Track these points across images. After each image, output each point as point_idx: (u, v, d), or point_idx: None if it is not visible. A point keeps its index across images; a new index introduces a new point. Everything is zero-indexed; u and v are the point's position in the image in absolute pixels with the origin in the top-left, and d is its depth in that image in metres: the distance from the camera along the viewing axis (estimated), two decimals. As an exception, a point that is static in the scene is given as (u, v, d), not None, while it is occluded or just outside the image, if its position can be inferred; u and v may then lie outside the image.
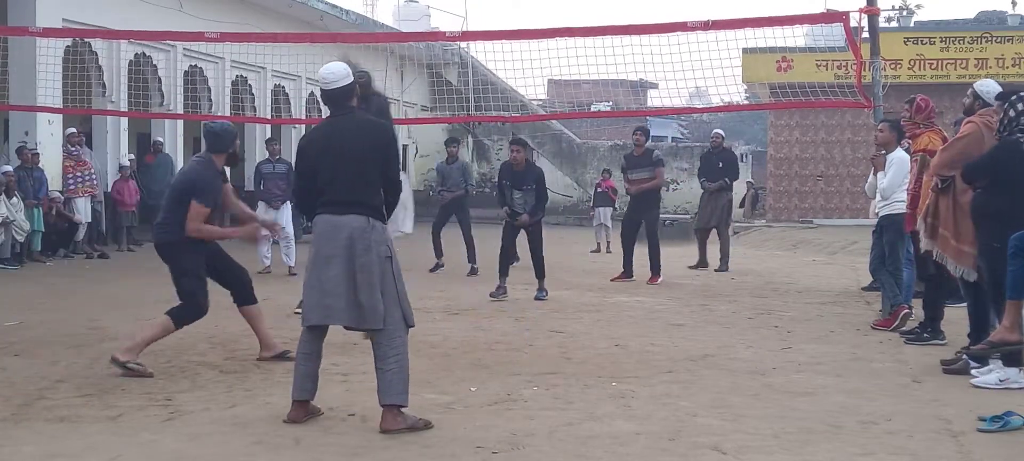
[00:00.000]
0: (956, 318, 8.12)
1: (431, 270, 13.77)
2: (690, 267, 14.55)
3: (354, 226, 5.30)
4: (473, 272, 13.62)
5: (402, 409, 5.28)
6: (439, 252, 14.03)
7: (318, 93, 5.81)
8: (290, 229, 13.59)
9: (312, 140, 5.62)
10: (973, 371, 6.70)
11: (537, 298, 10.92)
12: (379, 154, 5.44)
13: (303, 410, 5.46)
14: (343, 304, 5.28)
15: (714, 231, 14.91)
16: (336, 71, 5.50)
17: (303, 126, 23.61)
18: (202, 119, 20.78)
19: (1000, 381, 6.43)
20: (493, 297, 10.86)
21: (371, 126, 5.60)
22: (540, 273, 11.21)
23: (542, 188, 11.34)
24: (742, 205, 26.89)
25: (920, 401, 6.18)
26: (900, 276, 9.07)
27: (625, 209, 13.77)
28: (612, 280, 13.03)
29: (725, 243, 14.79)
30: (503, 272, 11.10)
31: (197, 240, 6.86)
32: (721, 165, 14.80)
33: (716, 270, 14.41)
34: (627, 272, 13.15)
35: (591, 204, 20.21)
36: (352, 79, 5.55)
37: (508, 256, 11.32)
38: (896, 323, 8.73)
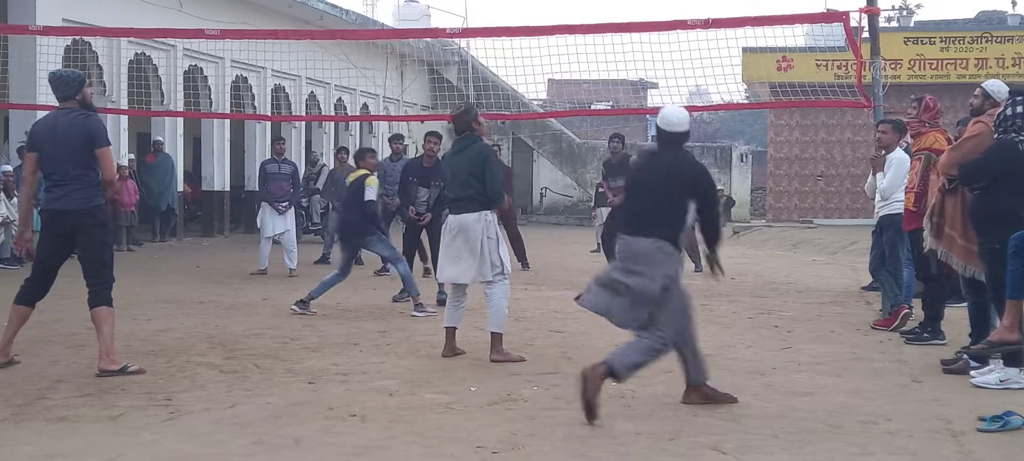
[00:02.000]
0: (956, 318, 8.12)
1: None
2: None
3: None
4: (427, 273, 13.49)
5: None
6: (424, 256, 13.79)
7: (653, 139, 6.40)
8: (293, 233, 13.58)
9: None
10: (973, 371, 6.69)
11: (414, 310, 9.82)
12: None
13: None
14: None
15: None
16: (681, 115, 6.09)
17: (303, 125, 23.69)
18: (203, 117, 20.84)
19: (1000, 381, 6.43)
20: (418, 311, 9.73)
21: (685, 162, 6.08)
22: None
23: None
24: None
25: (920, 401, 6.17)
26: (900, 276, 9.07)
27: (605, 217, 13.68)
28: None
29: (693, 243, 14.64)
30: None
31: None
32: None
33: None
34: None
35: (593, 204, 20.19)
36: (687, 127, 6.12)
37: (416, 256, 11.34)
38: (896, 323, 8.72)
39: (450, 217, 7.46)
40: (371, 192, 10.02)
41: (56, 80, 6.81)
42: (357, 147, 26.13)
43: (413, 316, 9.53)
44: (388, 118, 26.52)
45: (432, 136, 11.18)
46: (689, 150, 6.24)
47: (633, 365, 5.68)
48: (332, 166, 17.73)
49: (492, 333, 7.34)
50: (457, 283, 7.45)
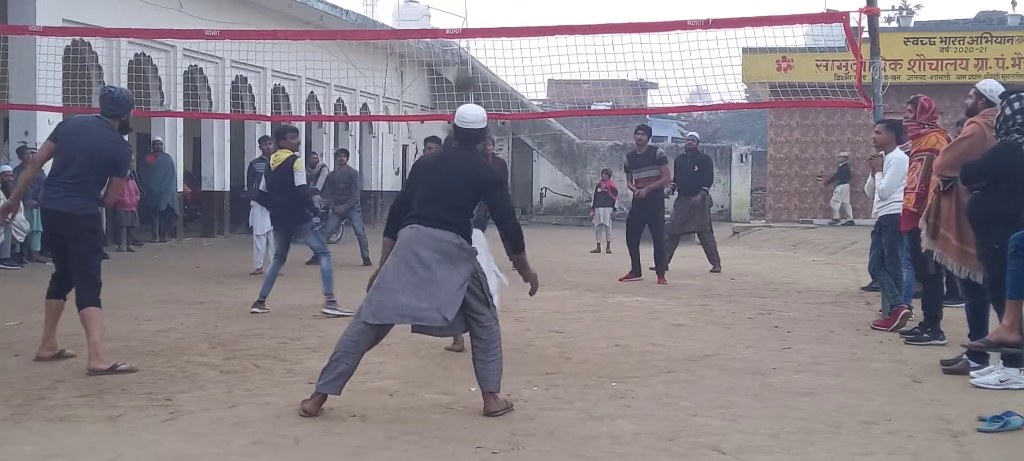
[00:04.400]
0: (956, 318, 8.12)
1: None
2: (651, 268, 14.17)
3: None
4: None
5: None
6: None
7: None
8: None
9: None
10: (973, 371, 6.69)
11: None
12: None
13: None
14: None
15: (697, 236, 14.72)
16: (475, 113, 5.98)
17: (302, 125, 23.68)
18: (203, 118, 20.84)
19: (1000, 381, 6.43)
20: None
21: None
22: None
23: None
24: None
25: (920, 401, 6.17)
26: (900, 276, 9.07)
27: (628, 211, 13.71)
28: (620, 280, 13.01)
29: (711, 245, 14.66)
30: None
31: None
32: (696, 169, 14.37)
33: (710, 271, 14.31)
34: (635, 271, 13.16)
35: (591, 205, 20.20)
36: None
37: None
38: (896, 323, 8.72)
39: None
40: (300, 177, 9.86)
41: (109, 98, 7.02)
42: (357, 148, 26.26)
43: (325, 314, 9.45)
44: (388, 118, 26.53)
45: (432, 141, 11.21)
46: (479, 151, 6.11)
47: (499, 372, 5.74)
48: (332, 167, 17.73)
49: None
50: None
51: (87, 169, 6.79)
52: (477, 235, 6.99)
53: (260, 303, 9.65)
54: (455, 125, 5.97)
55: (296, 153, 10.11)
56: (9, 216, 7.35)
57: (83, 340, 6.81)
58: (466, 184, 5.74)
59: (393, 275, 5.59)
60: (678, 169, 14.59)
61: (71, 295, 6.96)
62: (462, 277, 5.61)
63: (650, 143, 13.36)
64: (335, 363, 5.59)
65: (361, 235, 15.27)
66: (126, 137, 7.28)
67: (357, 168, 21.98)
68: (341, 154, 16.39)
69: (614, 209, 19.43)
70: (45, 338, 7.06)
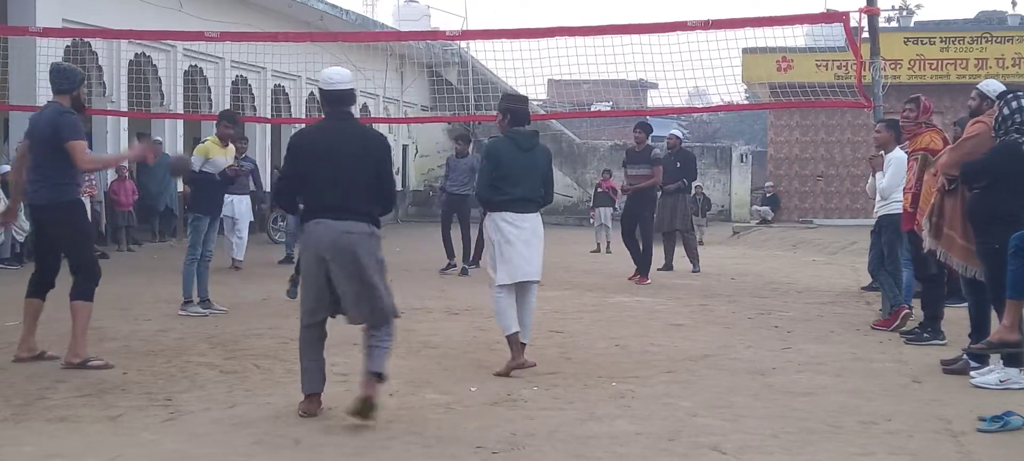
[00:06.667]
0: (956, 318, 8.12)
1: (442, 271, 13.75)
2: (658, 269, 14.20)
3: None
4: (464, 272, 13.58)
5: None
6: (450, 253, 13.98)
7: (319, 92, 5.86)
8: (245, 225, 13.87)
9: None
10: (973, 371, 6.69)
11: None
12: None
13: None
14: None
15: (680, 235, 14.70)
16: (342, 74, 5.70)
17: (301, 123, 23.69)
18: (202, 119, 20.83)
19: (1000, 381, 6.43)
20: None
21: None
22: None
23: None
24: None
25: (920, 401, 6.17)
26: (899, 276, 9.07)
27: (622, 210, 13.75)
28: (630, 279, 12.98)
29: (691, 244, 14.64)
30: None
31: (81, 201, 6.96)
32: (679, 165, 14.24)
33: (691, 271, 14.27)
34: (666, 265, 13.51)
35: (591, 205, 20.18)
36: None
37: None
38: (896, 323, 8.72)
39: (517, 216, 6.91)
40: (194, 162, 9.65)
41: (55, 73, 7.00)
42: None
43: (181, 314, 9.33)
44: (388, 120, 26.53)
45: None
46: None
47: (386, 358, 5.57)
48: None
49: (522, 343, 6.94)
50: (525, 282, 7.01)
51: (44, 155, 6.77)
52: (532, 219, 6.92)
53: (206, 302, 9.56)
54: (326, 90, 5.65)
55: (203, 140, 10.01)
56: (12, 222, 7.37)
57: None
58: (371, 162, 5.58)
59: (342, 276, 5.43)
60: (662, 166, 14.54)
61: (61, 297, 6.96)
62: (384, 269, 5.58)
63: (649, 142, 13.35)
64: (302, 364, 5.71)
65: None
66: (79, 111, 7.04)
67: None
68: None
69: (614, 209, 19.43)
70: (23, 338, 7.03)
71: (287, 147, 5.77)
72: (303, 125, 23.66)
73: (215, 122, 10.29)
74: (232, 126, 10.04)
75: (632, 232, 13.13)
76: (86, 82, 7.08)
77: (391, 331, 5.62)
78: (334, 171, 5.48)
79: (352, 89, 5.72)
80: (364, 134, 5.77)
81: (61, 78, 6.92)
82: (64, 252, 6.94)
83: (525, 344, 6.87)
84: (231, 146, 10.03)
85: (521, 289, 6.92)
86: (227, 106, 20.38)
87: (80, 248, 6.88)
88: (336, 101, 5.66)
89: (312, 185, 5.53)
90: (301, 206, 5.69)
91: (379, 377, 5.48)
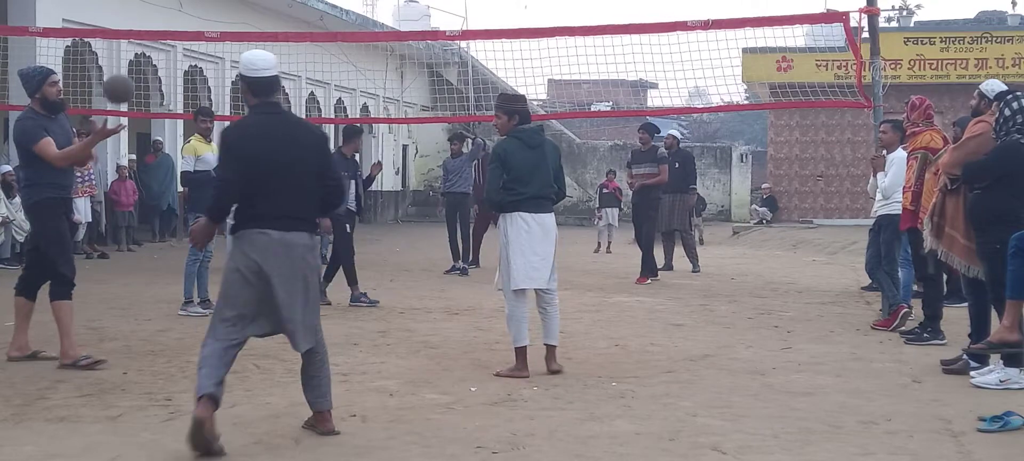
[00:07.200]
0: (956, 318, 8.12)
1: (446, 272, 13.74)
2: (659, 269, 14.17)
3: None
4: (464, 272, 13.58)
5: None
6: (456, 254, 13.96)
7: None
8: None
9: None
10: (973, 371, 6.69)
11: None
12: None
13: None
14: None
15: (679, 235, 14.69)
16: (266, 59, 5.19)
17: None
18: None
19: (1000, 381, 6.43)
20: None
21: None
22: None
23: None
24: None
25: (920, 401, 6.17)
26: (896, 275, 9.07)
27: (631, 211, 13.80)
28: (637, 282, 12.97)
29: (690, 244, 14.64)
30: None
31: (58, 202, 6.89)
32: (677, 166, 14.08)
33: (691, 271, 14.26)
34: (666, 265, 13.64)
35: (597, 205, 20.15)
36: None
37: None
38: (896, 323, 8.72)
39: (529, 216, 6.90)
40: (184, 163, 9.60)
41: (21, 77, 7.10)
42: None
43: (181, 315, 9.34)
44: (388, 120, 26.53)
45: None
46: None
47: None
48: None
49: (551, 345, 6.91)
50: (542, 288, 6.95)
51: (23, 160, 6.93)
52: (546, 219, 6.92)
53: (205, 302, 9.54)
54: (250, 78, 5.08)
55: (189, 139, 9.88)
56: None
57: (82, 342, 6.83)
58: (313, 162, 5.11)
59: (287, 293, 5.07)
60: None
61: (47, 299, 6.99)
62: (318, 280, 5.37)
63: (654, 142, 13.35)
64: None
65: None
66: (59, 113, 7.12)
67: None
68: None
69: (620, 209, 19.46)
70: (15, 337, 7.03)
71: (220, 147, 5.21)
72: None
73: (194, 119, 10.24)
74: (209, 120, 10.01)
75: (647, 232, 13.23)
76: (53, 78, 7.01)
77: (326, 353, 5.34)
78: (277, 175, 4.96)
79: (278, 75, 5.17)
80: (300, 128, 5.24)
81: (24, 82, 7.00)
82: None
83: (554, 345, 6.87)
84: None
85: (539, 295, 6.92)
86: (227, 106, 20.41)
87: (48, 247, 6.87)
88: (263, 90, 5.09)
89: (254, 189, 4.96)
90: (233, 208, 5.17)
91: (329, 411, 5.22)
